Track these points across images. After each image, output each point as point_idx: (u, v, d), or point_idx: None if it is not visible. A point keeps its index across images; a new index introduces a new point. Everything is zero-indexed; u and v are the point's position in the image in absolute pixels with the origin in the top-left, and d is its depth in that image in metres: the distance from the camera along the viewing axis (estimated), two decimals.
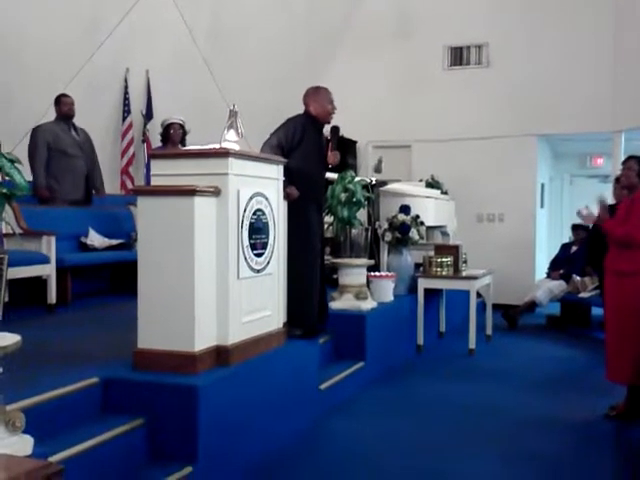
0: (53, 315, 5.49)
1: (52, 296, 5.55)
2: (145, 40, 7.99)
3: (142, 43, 8.00)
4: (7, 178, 2.52)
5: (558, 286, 8.31)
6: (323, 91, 5.04)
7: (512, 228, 9.69)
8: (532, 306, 8.43)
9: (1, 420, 2.39)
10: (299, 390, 4.35)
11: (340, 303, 5.73)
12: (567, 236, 9.65)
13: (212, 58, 8.81)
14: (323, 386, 4.75)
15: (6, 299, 2.40)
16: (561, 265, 8.54)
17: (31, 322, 4.93)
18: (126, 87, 8.30)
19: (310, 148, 4.87)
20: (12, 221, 5.39)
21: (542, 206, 10.40)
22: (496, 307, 7.83)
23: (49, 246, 5.54)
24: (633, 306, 4.48)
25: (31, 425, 2.59)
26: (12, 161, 2.40)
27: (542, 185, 10.36)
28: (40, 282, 5.53)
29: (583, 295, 8.02)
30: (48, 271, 5.51)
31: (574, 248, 8.68)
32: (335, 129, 5.23)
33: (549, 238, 10.85)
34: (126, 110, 8.34)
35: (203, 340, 3.53)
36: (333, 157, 5.06)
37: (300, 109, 5.08)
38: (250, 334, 3.86)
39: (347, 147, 10.22)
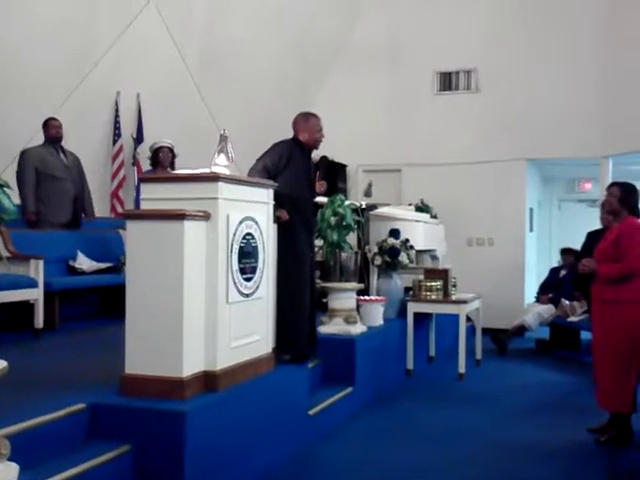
0: (40, 340, 5.44)
1: (39, 320, 5.50)
2: (136, 64, 8.03)
3: (133, 66, 8.04)
4: None
5: (547, 310, 8.32)
6: (313, 119, 5.01)
7: (501, 252, 9.71)
8: (521, 330, 8.42)
9: None
10: (288, 416, 4.31)
11: (329, 327, 5.71)
12: (556, 260, 9.69)
13: (203, 82, 8.86)
14: (312, 411, 4.71)
15: None
16: (550, 289, 8.56)
17: (17, 347, 4.89)
18: (117, 110, 8.33)
19: (297, 172, 4.84)
20: (0, 245, 5.37)
21: (531, 230, 10.45)
22: (485, 331, 7.83)
23: (37, 270, 5.50)
24: (619, 334, 4.51)
25: (17, 452, 2.56)
26: (1, 185, 2.39)
27: (531, 209, 10.42)
28: (27, 306, 5.49)
29: (572, 319, 8.02)
30: (35, 295, 5.46)
31: (563, 272, 8.70)
32: (324, 159, 5.25)
33: (538, 262, 10.88)
34: (117, 133, 8.36)
35: (191, 365, 3.51)
36: (319, 187, 5.10)
37: (288, 132, 5.08)
38: (239, 359, 3.84)
39: (337, 171, 10.26)
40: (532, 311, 8.39)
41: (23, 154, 6.50)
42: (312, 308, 4.96)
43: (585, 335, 7.80)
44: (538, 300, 8.65)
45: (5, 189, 2.42)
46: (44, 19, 6.77)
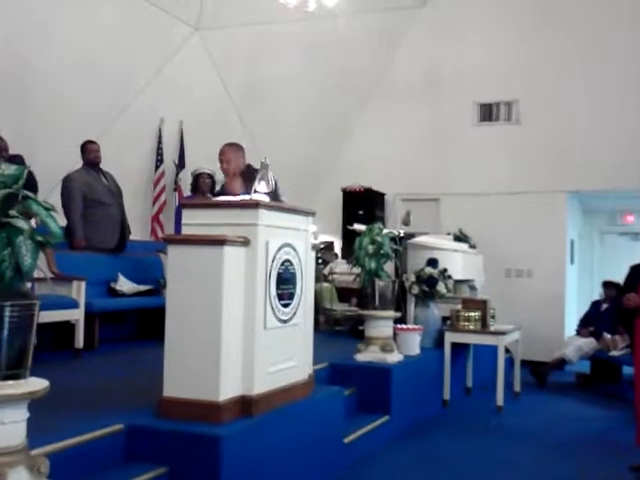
0: (80, 360, 5.52)
1: (79, 341, 5.59)
2: (180, 91, 8.20)
3: (177, 94, 8.20)
4: (41, 225, 2.57)
5: (588, 344, 8.17)
6: None
7: (541, 284, 9.59)
8: (561, 363, 8.28)
9: (26, 465, 2.39)
10: (323, 443, 4.29)
11: (366, 355, 5.69)
12: (597, 293, 9.54)
13: (245, 111, 9.00)
14: (348, 439, 4.68)
15: (34, 342, 2.43)
16: (591, 322, 8.41)
17: (58, 367, 4.95)
18: (160, 137, 8.49)
19: None
20: (44, 266, 5.48)
21: (572, 262, 10.30)
22: (524, 363, 7.71)
23: (79, 291, 5.61)
24: None
25: (55, 471, 2.59)
26: (48, 209, 2.45)
27: (572, 241, 10.29)
28: (68, 326, 5.58)
29: (614, 353, 7.86)
30: (77, 316, 5.56)
31: (605, 305, 8.55)
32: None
33: (579, 295, 10.71)
34: (159, 159, 8.51)
35: (228, 390, 3.52)
36: None
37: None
38: (275, 385, 3.85)
39: (375, 200, 10.29)
40: (573, 344, 8.25)
41: (68, 180, 6.49)
42: None
43: (627, 370, 7.64)
44: (579, 333, 8.51)
45: (51, 212, 2.48)
46: (87, 47, 6.95)
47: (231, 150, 5.25)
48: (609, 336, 8.00)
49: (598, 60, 9.38)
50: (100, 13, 7.01)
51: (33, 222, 2.79)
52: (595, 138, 9.35)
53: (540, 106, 9.72)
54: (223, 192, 5.11)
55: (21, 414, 2.33)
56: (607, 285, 8.61)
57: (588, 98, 9.43)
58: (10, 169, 2.42)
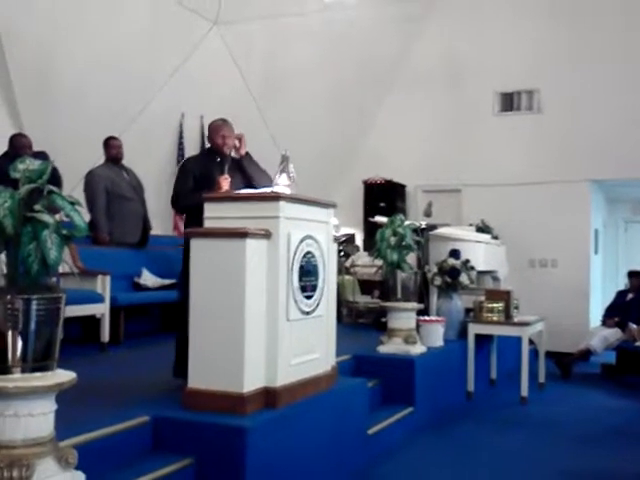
0: (106, 353, 5.58)
1: (105, 335, 5.65)
2: (200, 86, 8.22)
3: (197, 89, 8.23)
4: (66, 219, 2.60)
5: (613, 334, 8.11)
6: (214, 124, 4.68)
7: (565, 274, 9.52)
8: (586, 354, 8.22)
9: (54, 456, 2.43)
10: (347, 434, 4.30)
11: (389, 347, 5.69)
12: (623, 283, 9.45)
13: (265, 104, 9.01)
14: (371, 431, 4.69)
15: (61, 336, 2.46)
16: (617, 312, 8.34)
17: (84, 360, 5.00)
18: (181, 132, 8.52)
19: (211, 181, 4.39)
20: (69, 261, 5.54)
21: (596, 252, 10.21)
22: (549, 355, 7.66)
23: (104, 285, 5.66)
24: None
25: (83, 462, 2.62)
26: (72, 203, 2.48)
27: (596, 231, 10.19)
28: (94, 321, 5.64)
29: None
30: (102, 310, 5.62)
31: (630, 295, 8.47)
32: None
33: (604, 285, 10.62)
34: (180, 154, 8.55)
35: (252, 381, 3.54)
36: (223, 182, 4.37)
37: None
38: (298, 376, 3.86)
39: (396, 191, 10.28)
40: (598, 335, 8.19)
41: (92, 175, 6.56)
42: None
43: None
44: (604, 323, 8.44)
45: (75, 206, 2.50)
46: (112, 44, 6.99)
47: (229, 126, 4.86)
48: (635, 326, 7.93)
49: (621, 47, 9.27)
50: (126, 11, 7.05)
51: (57, 217, 2.83)
52: (618, 126, 9.24)
53: (562, 95, 9.63)
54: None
55: (49, 406, 2.36)
56: (632, 275, 8.54)
57: (610, 85, 9.32)
58: (35, 164, 2.45)
